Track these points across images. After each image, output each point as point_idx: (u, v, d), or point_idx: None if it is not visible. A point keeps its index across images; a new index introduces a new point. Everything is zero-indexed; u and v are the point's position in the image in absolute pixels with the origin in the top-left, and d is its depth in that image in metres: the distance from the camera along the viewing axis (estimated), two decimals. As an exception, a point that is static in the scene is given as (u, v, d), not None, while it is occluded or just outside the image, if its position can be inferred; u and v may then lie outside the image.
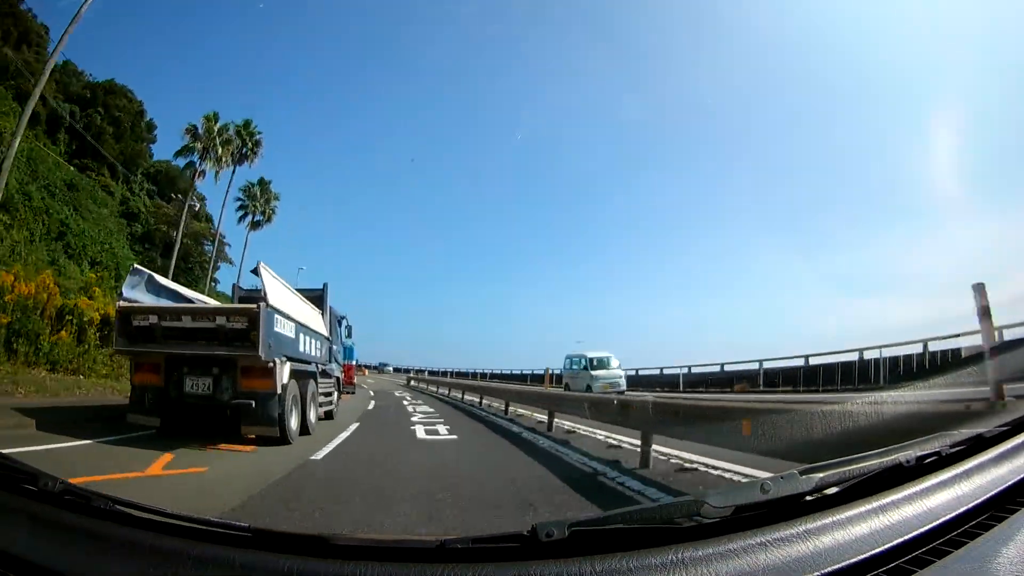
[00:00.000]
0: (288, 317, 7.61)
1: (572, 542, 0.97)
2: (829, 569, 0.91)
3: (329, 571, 0.95)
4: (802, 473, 1.11)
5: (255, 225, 38.23)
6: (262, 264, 7.18)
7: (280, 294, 7.61)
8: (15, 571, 1.03)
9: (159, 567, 0.99)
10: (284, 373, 7.11)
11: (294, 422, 7.54)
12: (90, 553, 1.07)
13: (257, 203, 37.68)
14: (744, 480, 5.12)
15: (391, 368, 60.77)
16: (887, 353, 15.81)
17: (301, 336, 8.31)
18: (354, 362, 23.11)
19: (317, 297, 11.15)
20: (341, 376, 13.12)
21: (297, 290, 9.74)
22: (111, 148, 31.58)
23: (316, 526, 3.50)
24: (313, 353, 9.14)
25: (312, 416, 8.55)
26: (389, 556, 1.01)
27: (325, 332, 10.47)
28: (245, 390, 6.82)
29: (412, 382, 35.47)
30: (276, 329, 7.02)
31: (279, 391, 6.87)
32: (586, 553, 0.95)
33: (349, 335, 14.59)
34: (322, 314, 10.71)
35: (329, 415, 10.68)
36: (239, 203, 37.58)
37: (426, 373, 48.89)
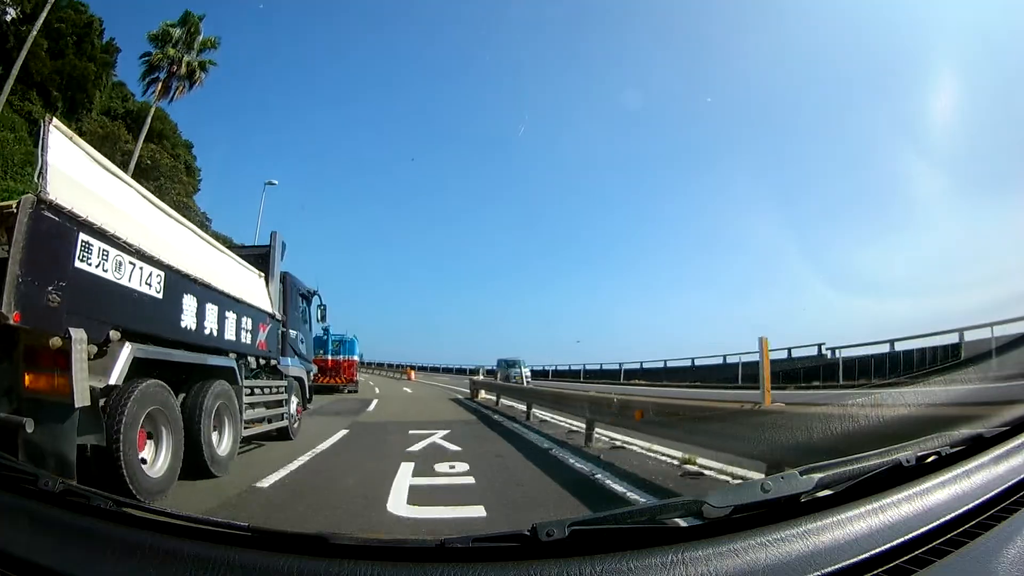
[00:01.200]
0: (139, 253, 4.11)
1: (572, 542, 0.97)
2: (829, 569, 0.91)
3: (329, 571, 0.95)
4: (802, 473, 1.11)
5: (169, 92, 22.92)
6: (50, 119, 3.51)
7: (99, 186, 3.97)
8: (15, 571, 1.03)
9: (159, 567, 0.99)
10: (116, 364, 3.88)
11: (161, 463, 4.32)
12: (90, 553, 1.07)
13: (175, 52, 23.76)
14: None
15: (521, 371, 30.50)
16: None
17: (190, 300, 4.92)
18: (356, 357, 22.97)
19: (260, 255, 7.61)
20: (308, 376, 9.33)
21: (241, 246, 6.72)
22: (43, 66, 23.96)
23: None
24: (228, 335, 5.75)
25: (224, 446, 5.39)
26: (389, 556, 1.01)
27: (268, 307, 7.12)
28: (30, 393, 3.49)
29: (482, 392, 17.98)
30: (82, 265, 3.56)
31: (83, 402, 3.48)
32: (586, 553, 0.95)
33: (323, 317, 11.06)
34: (267, 280, 7.36)
35: (283, 434, 7.40)
36: (144, 61, 23.58)
37: (515, 375, 28.29)
